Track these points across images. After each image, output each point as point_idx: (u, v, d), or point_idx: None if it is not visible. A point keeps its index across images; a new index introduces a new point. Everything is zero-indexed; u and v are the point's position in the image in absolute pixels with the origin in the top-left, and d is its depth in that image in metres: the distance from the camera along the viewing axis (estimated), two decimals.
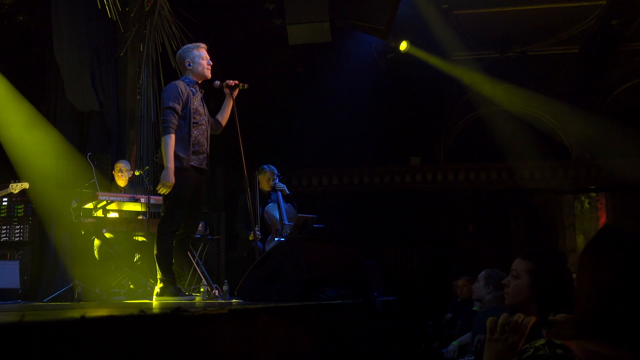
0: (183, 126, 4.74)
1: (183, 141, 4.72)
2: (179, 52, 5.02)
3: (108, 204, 6.06)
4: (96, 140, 7.67)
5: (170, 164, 4.61)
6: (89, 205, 6.02)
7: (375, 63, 9.79)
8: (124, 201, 6.17)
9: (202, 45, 5.02)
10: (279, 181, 7.24)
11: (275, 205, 7.07)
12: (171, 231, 4.77)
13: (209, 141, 4.95)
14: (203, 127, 4.84)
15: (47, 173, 6.72)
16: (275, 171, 7.23)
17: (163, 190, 4.63)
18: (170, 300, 4.64)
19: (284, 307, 3.11)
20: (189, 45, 5.02)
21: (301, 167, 10.82)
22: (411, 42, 9.33)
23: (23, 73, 7.84)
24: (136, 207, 6.31)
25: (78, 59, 7.41)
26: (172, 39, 8.27)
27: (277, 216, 7.00)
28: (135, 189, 6.98)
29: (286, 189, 7.17)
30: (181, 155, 4.69)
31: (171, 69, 8.22)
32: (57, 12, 7.35)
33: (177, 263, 4.89)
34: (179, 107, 4.71)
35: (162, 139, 4.68)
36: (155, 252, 4.76)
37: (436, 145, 10.93)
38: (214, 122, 5.10)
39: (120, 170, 6.93)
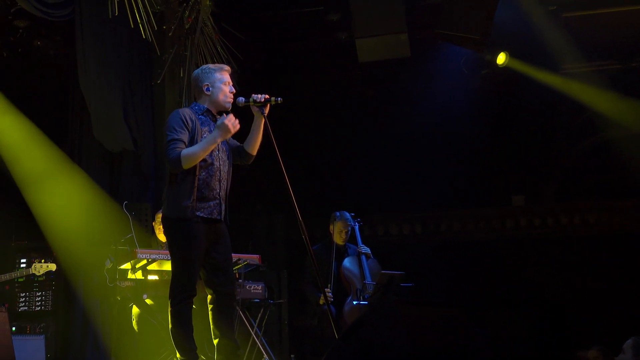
0: None
1: (185, 185, 4.66)
2: (196, 72, 4.97)
3: (149, 263, 6.05)
4: (130, 185, 7.73)
5: (212, 135, 4.61)
6: (126, 266, 6.02)
7: (465, 82, 9.68)
8: (167, 259, 6.08)
9: (226, 67, 4.96)
10: (359, 228, 7.29)
11: (355, 260, 7.08)
12: (184, 297, 4.71)
13: (228, 183, 4.88)
14: (215, 166, 4.76)
15: (74, 226, 6.81)
16: (349, 219, 7.22)
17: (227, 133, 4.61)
18: None
19: None
20: (210, 65, 4.97)
21: (376, 212, 10.72)
22: (510, 54, 9.16)
23: (42, 106, 8.00)
24: None
25: (107, 89, 7.50)
26: (217, 60, 8.31)
27: (358, 272, 7.01)
28: None
29: (370, 252, 7.16)
30: (183, 203, 4.63)
31: None
32: (81, 34, 7.46)
33: (216, 333, 4.85)
34: (184, 138, 4.63)
35: (178, 166, 4.59)
36: (170, 326, 4.72)
37: (544, 181, 10.72)
38: (239, 151, 4.99)
39: (157, 220, 6.91)
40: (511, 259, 10.41)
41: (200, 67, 4.98)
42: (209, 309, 4.86)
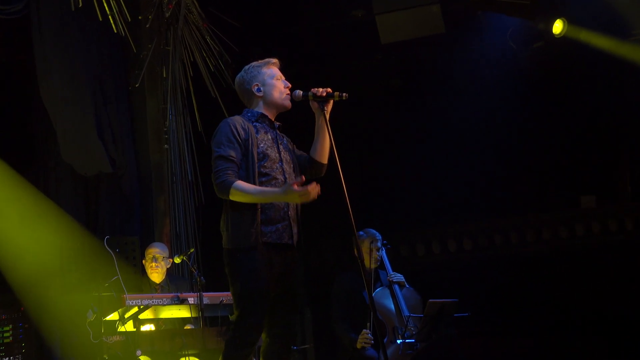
0: (246, 181, 4.68)
1: (246, 207, 4.66)
2: (238, 76, 5.00)
3: (141, 311, 6.02)
4: (111, 215, 7.82)
5: (275, 191, 4.59)
6: (113, 316, 6.00)
7: (513, 59, 9.55)
8: (163, 304, 6.13)
9: (274, 60, 5.00)
10: (386, 252, 7.20)
11: (386, 291, 7.05)
12: (245, 343, 4.65)
13: (298, 205, 4.85)
14: (279, 181, 4.76)
15: (45, 271, 6.86)
16: (378, 236, 7.19)
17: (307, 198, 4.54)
18: None
19: None
20: (254, 63, 4.99)
21: (412, 228, 10.66)
22: (569, 21, 9.05)
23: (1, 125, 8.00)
24: (182, 311, 6.30)
25: (75, 100, 7.58)
26: (207, 54, 8.30)
27: (392, 306, 6.95)
28: (177, 284, 7.00)
29: (404, 280, 7.11)
30: (245, 229, 4.64)
31: (210, 99, 8.25)
32: (40, 34, 7.51)
33: None
34: (235, 155, 4.66)
35: (226, 196, 4.61)
36: None
37: (619, 176, 10.57)
38: (308, 162, 5.00)
39: (155, 259, 6.96)
40: (582, 273, 10.26)
41: (243, 69, 4.99)
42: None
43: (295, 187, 4.45)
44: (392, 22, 8.41)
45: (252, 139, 4.71)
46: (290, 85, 4.90)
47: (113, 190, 7.85)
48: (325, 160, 4.99)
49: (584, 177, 10.60)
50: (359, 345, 6.62)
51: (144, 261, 6.99)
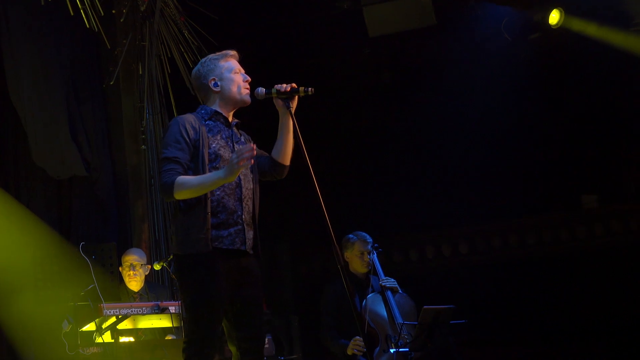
0: None
1: (195, 211, 4.61)
2: (194, 69, 4.93)
3: (119, 321, 6.02)
4: (85, 220, 7.81)
5: (216, 175, 4.48)
6: (90, 327, 6.02)
7: (508, 52, 9.59)
8: (142, 314, 6.14)
9: (232, 52, 4.92)
10: (377, 257, 7.17)
11: (378, 297, 7.02)
12: (201, 356, 4.61)
13: (254, 204, 4.82)
14: (232, 182, 4.67)
15: (17, 281, 6.79)
16: (369, 239, 7.19)
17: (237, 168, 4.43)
18: None
19: None
20: (211, 55, 4.91)
21: (405, 231, 10.68)
22: (566, 11, 9.09)
23: None
24: (162, 321, 6.29)
25: (46, 99, 7.53)
26: (185, 49, 8.31)
27: (384, 313, 6.93)
28: (156, 292, 7.03)
29: (397, 286, 7.09)
30: (194, 235, 4.58)
31: (189, 97, 8.23)
32: (7, 30, 7.47)
33: None
34: (181, 156, 4.61)
35: (170, 196, 4.55)
36: None
37: (622, 174, 10.57)
38: (268, 163, 4.93)
39: (132, 267, 6.96)
40: (587, 276, 10.27)
41: (200, 61, 4.92)
42: None
43: (235, 157, 4.38)
44: (381, 14, 8.45)
45: (202, 139, 4.65)
46: (249, 79, 4.83)
47: (88, 195, 7.83)
48: (287, 162, 4.92)
49: (585, 175, 10.60)
50: (349, 352, 6.62)
51: (121, 268, 6.96)
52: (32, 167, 7.70)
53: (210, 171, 4.58)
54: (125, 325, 6.10)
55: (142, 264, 6.97)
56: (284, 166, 4.92)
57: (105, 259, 6.73)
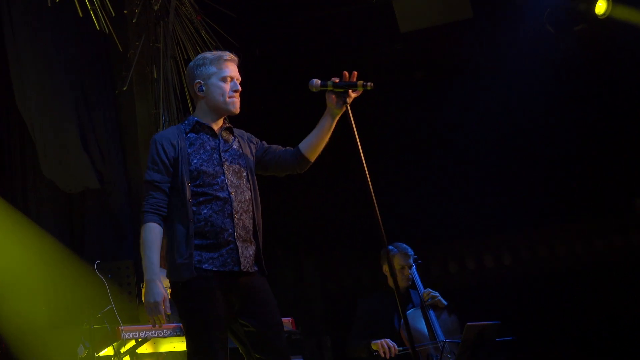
0: (177, 206, 4.61)
1: (177, 233, 4.60)
2: (189, 65, 4.89)
3: (139, 344, 5.99)
4: (99, 237, 7.80)
5: (150, 273, 4.55)
6: (107, 351, 5.99)
7: (551, 46, 9.58)
8: (164, 336, 6.07)
9: (228, 56, 4.83)
10: (417, 269, 7.17)
11: (419, 313, 7.01)
12: None
13: (253, 216, 4.78)
14: (221, 196, 4.65)
15: (28, 302, 6.84)
16: (410, 251, 7.18)
17: (151, 322, 4.59)
18: None
19: None
20: (207, 54, 4.86)
21: (443, 241, 10.72)
22: None
23: None
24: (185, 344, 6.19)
25: (55, 107, 7.52)
26: (202, 50, 8.36)
27: (425, 330, 6.93)
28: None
29: (441, 298, 7.07)
30: (177, 259, 4.58)
31: None
32: (12, 34, 7.49)
33: None
34: (160, 179, 4.63)
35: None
36: None
37: None
38: (292, 155, 4.90)
39: None
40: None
41: (194, 59, 4.88)
42: None
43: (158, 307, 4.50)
44: (412, 8, 8.44)
45: (182, 157, 4.63)
46: (239, 89, 4.77)
47: (101, 209, 7.84)
48: (313, 159, 4.90)
49: (637, 176, 10.57)
50: (374, 347, 6.62)
51: (142, 286, 6.96)
52: (41, 179, 7.72)
53: (193, 189, 4.59)
54: (145, 349, 6.09)
55: (168, 286, 6.98)
56: (309, 162, 4.90)
57: (122, 277, 6.76)
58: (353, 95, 4.70)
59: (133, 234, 7.94)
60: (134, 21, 8.01)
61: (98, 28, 7.44)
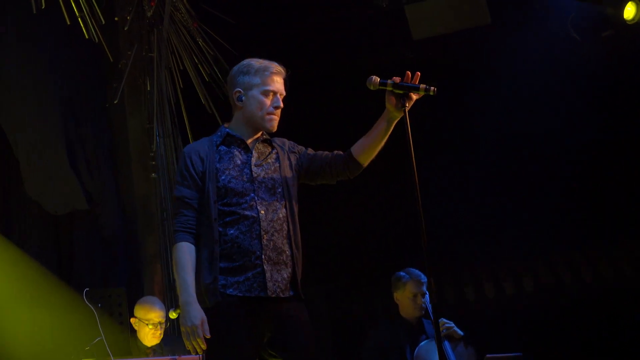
0: (204, 224, 4.65)
1: (203, 255, 4.64)
2: (233, 69, 4.89)
3: None
4: (89, 261, 7.80)
5: (185, 295, 4.55)
6: None
7: (576, 53, 9.53)
8: None
9: (274, 66, 4.83)
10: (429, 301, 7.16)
11: (433, 345, 6.91)
12: None
13: (287, 233, 4.74)
14: (250, 216, 4.64)
15: (12, 334, 6.81)
16: (423, 278, 7.15)
17: (190, 347, 4.55)
18: None
19: None
20: (253, 62, 4.84)
21: (458, 265, 10.68)
22: None
23: None
24: None
25: (41, 121, 7.54)
26: (199, 59, 8.34)
27: None
28: (172, 345, 6.99)
29: (456, 328, 7.04)
30: (203, 279, 4.60)
31: (205, 115, 8.26)
32: None
33: None
34: (190, 195, 4.68)
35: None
36: None
37: None
38: (343, 160, 4.88)
39: (158, 325, 6.98)
40: None
41: (239, 64, 4.86)
42: None
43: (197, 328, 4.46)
44: (425, 13, 8.45)
45: (209, 172, 4.66)
46: (281, 106, 4.78)
47: (90, 231, 7.87)
48: (366, 163, 4.88)
49: None
50: None
51: (134, 320, 6.96)
52: (24, 200, 7.72)
53: (220, 208, 4.60)
54: None
55: (160, 315, 7.01)
56: (361, 167, 4.89)
57: (114, 306, 6.75)
58: (414, 97, 4.63)
59: (125, 258, 7.94)
60: (125, 29, 8.05)
61: (87, 37, 7.46)
